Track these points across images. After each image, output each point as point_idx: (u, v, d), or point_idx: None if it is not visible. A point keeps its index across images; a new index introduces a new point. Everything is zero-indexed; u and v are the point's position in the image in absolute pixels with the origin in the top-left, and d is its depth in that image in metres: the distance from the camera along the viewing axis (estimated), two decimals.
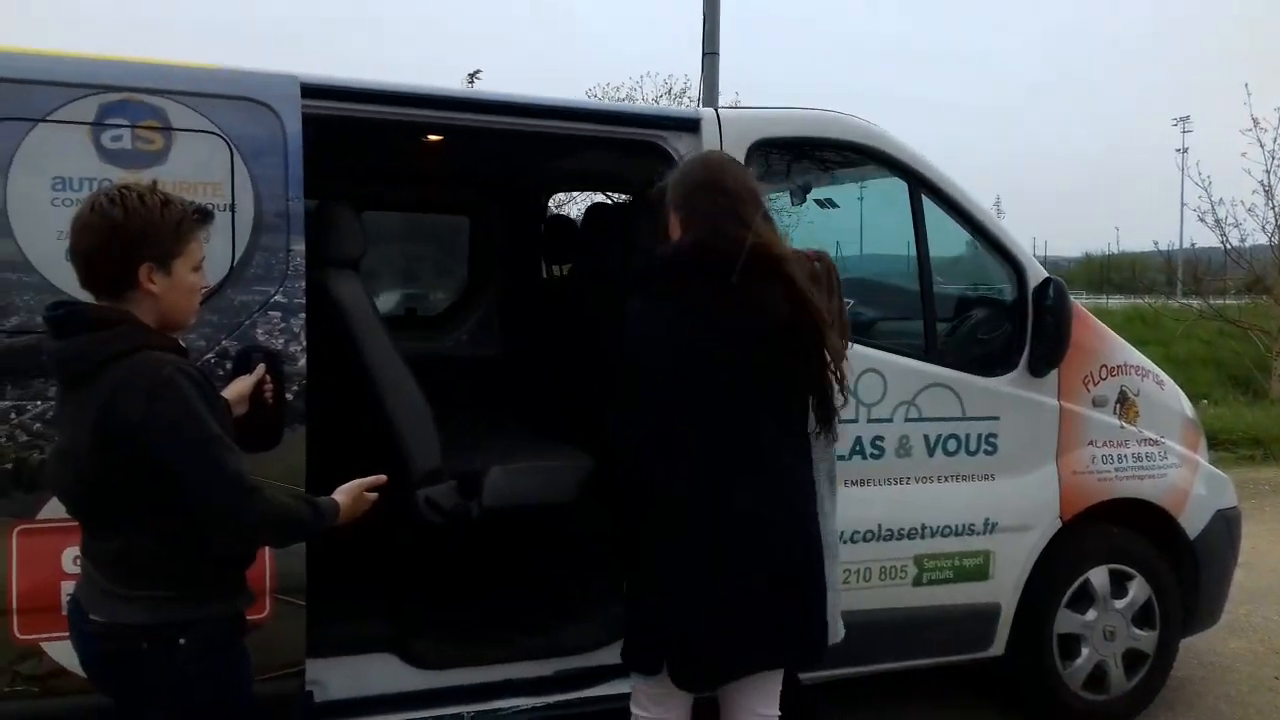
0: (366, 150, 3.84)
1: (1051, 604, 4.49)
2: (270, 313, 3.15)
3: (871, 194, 4.89)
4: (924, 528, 3.55)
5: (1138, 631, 4.56)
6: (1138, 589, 4.55)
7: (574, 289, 3.87)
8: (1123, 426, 4.61)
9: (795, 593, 2.65)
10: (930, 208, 4.20)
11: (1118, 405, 4.67)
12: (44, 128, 3.01)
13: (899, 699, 4.84)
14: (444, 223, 3.22)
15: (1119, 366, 4.67)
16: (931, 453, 3.87)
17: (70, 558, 2.89)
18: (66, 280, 2.60)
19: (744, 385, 2.68)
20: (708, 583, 2.66)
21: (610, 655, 3.39)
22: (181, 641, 2.27)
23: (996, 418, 4.24)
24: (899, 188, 4.17)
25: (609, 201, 5.23)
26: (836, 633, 2.88)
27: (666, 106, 3.60)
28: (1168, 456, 4.79)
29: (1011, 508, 4.26)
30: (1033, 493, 4.36)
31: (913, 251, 4.45)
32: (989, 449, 4.29)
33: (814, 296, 2.77)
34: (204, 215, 2.45)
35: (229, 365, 2.91)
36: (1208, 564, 4.88)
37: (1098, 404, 4.52)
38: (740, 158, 3.69)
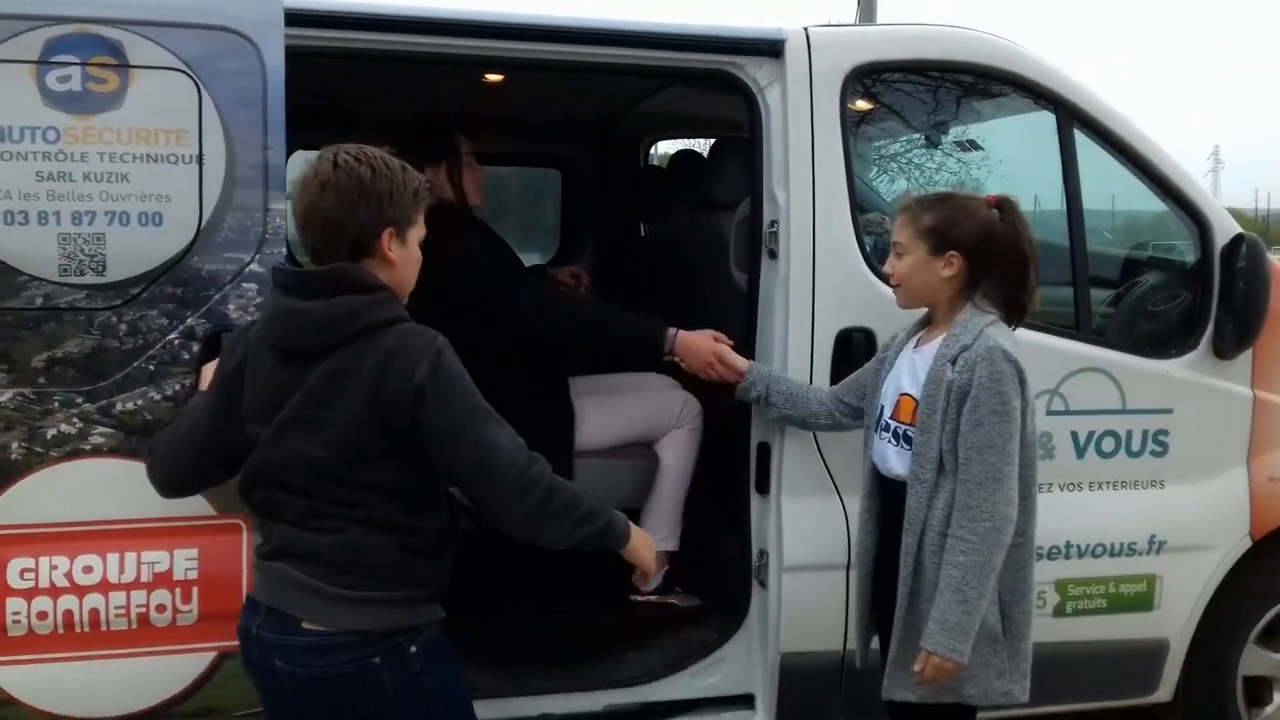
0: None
1: (1236, 640, 3.76)
2: (244, 284, 2.76)
3: (1015, 131, 4.01)
4: (1068, 546, 3.06)
5: None
6: None
7: (658, 248, 3.64)
8: None
9: None
10: (1087, 147, 3.45)
11: None
12: None
13: None
14: (534, 178, 3.17)
15: None
16: (1081, 454, 3.27)
17: (17, 571, 2.73)
18: (5, 246, 2.64)
19: None
20: None
21: (670, 689, 3.16)
22: (413, 650, 2.12)
23: (1169, 410, 3.53)
24: (1046, 122, 3.45)
25: (692, 149, 4.67)
26: None
27: (742, 25, 3.18)
28: None
29: (1186, 523, 3.59)
30: (1215, 504, 3.65)
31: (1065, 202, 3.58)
32: (1158, 449, 3.55)
33: None
34: (427, 186, 2.19)
35: (195, 348, 2.59)
36: None
37: None
38: (835, 88, 3.23)
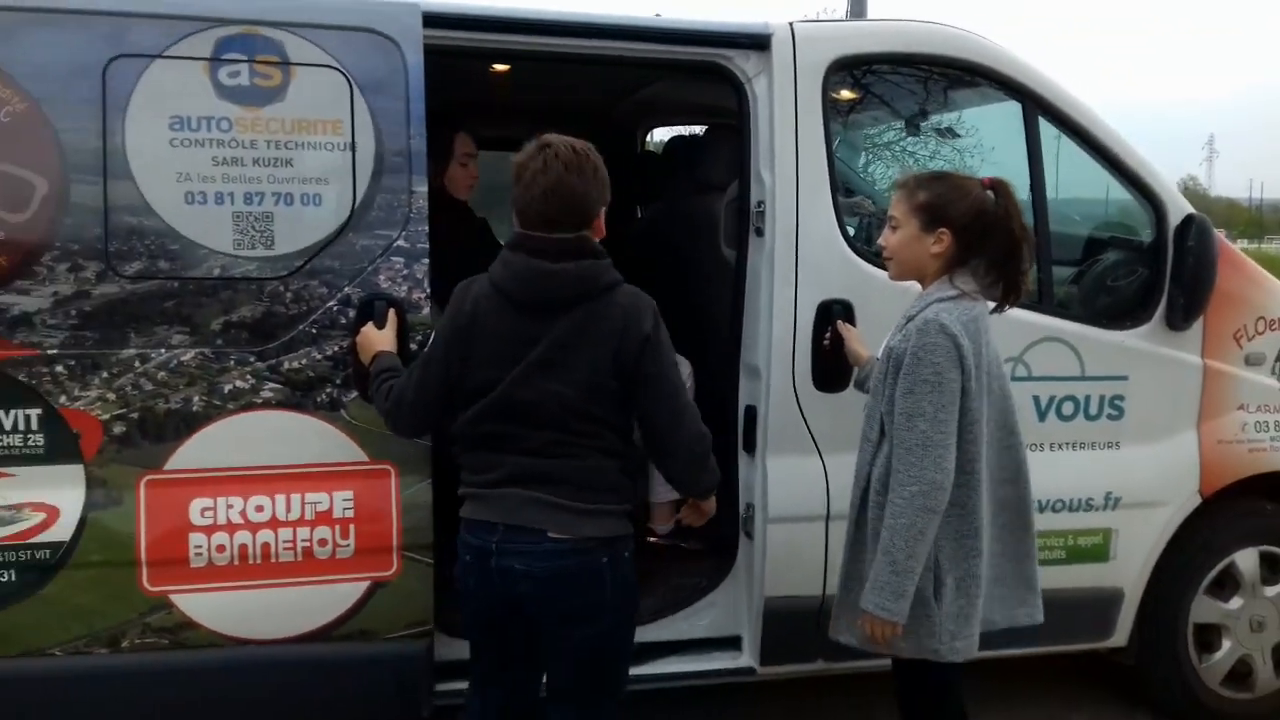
0: (465, 84, 3.56)
1: (1187, 590, 3.90)
2: (393, 258, 3.04)
3: (985, 120, 4.14)
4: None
5: None
6: None
7: (653, 228, 3.88)
8: None
9: None
10: (1053, 135, 3.71)
11: (1277, 364, 3.95)
12: (160, 64, 2.97)
13: (1009, 688, 4.28)
14: None
15: None
16: (1042, 417, 3.43)
17: (198, 510, 2.96)
18: (187, 224, 2.90)
19: None
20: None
21: (665, 630, 3.27)
22: (626, 555, 2.53)
23: (1124, 377, 3.68)
24: (1013, 111, 3.62)
25: (686, 135, 4.81)
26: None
27: (731, 20, 3.41)
28: None
29: (1139, 481, 3.74)
30: (1166, 464, 3.80)
31: (1057, 188, 3.90)
32: (1114, 413, 3.71)
33: None
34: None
35: (351, 314, 2.86)
36: None
37: (1252, 362, 3.85)
38: (818, 78, 3.36)
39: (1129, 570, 3.77)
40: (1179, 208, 3.63)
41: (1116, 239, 3.91)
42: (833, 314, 3.33)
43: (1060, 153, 3.05)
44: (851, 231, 3.23)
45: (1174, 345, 3.75)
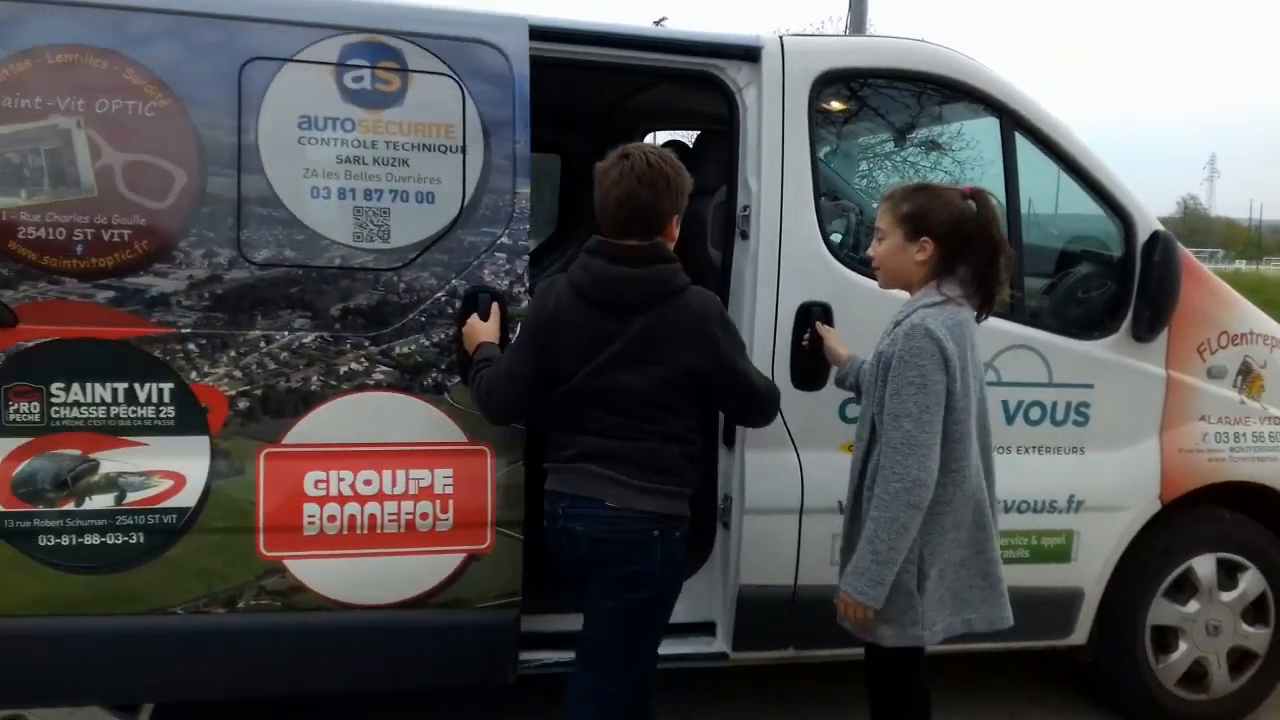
0: None
1: (1146, 592, 3.87)
2: (497, 254, 3.08)
3: (967, 134, 4.18)
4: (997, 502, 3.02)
5: (1247, 628, 3.96)
6: (1250, 582, 3.92)
7: None
8: (1243, 401, 3.92)
9: None
10: (1030, 151, 3.58)
11: (1239, 378, 3.93)
12: (291, 67, 3.00)
13: (972, 683, 4.25)
14: (535, 163, 3.52)
15: (1243, 335, 3.92)
16: (1010, 420, 3.47)
17: (312, 481, 3.03)
18: (313, 215, 2.99)
19: None
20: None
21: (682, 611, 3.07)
22: (678, 534, 2.71)
23: (1090, 385, 3.67)
24: (991, 126, 3.58)
25: (679, 140, 4.94)
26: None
27: (725, 33, 3.57)
28: None
29: (1102, 485, 3.72)
30: (1128, 470, 3.77)
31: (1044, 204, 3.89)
32: (1079, 419, 3.68)
33: None
34: (692, 182, 2.79)
35: (456, 305, 2.97)
36: None
37: (1214, 375, 3.86)
38: (804, 90, 3.37)
39: (1090, 571, 3.74)
40: (1147, 224, 3.66)
41: (1088, 252, 3.93)
42: (812, 315, 3.34)
43: (1037, 167, 3.60)
44: (837, 238, 3.76)
45: (1139, 356, 3.70)
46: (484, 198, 3.00)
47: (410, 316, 3.05)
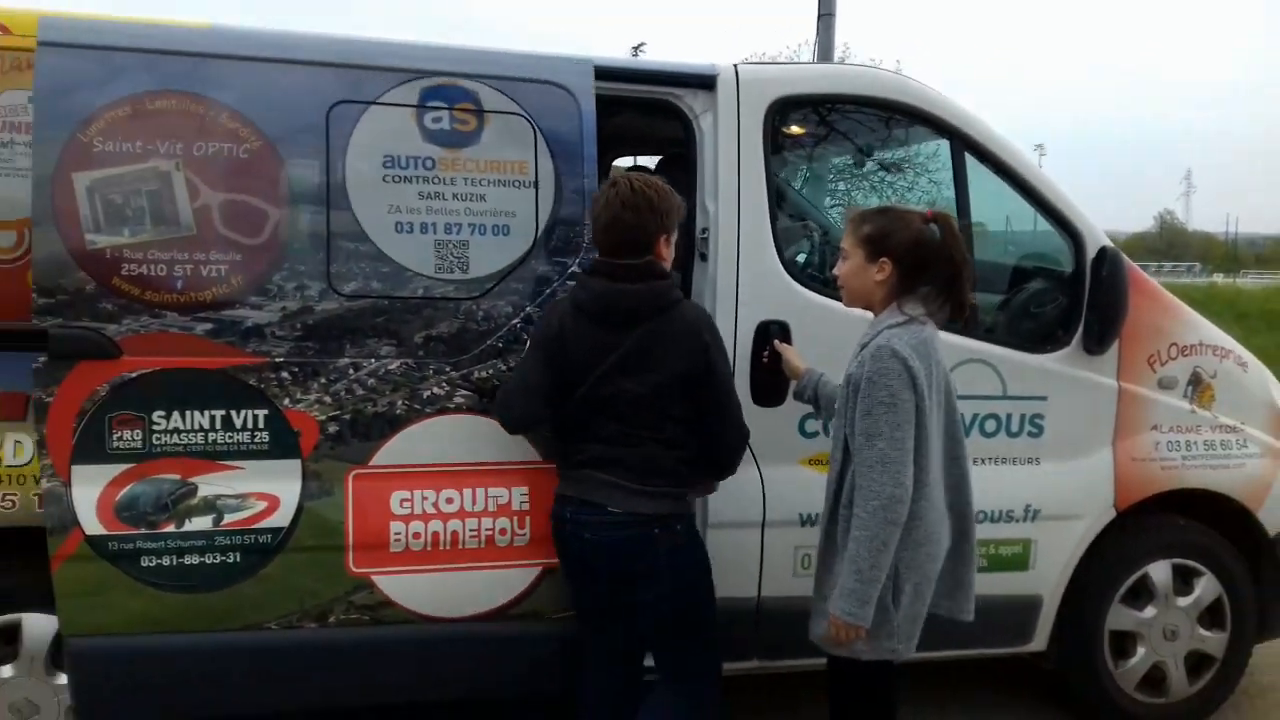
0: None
1: (1103, 598, 3.89)
2: (569, 283, 3.16)
3: (919, 157, 4.22)
4: None
5: (1204, 632, 4.08)
6: (1206, 587, 4.04)
7: None
8: (1194, 411, 3.97)
9: None
10: (981, 172, 3.54)
11: (1189, 388, 3.91)
12: (375, 110, 3.11)
13: (943, 693, 4.20)
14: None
15: (1193, 345, 3.96)
16: (967, 432, 3.31)
17: (397, 501, 3.11)
18: (396, 249, 3.07)
19: None
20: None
21: None
22: (679, 528, 2.85)
23: (1043, 397, 3.69)
24: (942, 149, 3.59)
25: (640, 165, 4.87)
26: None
27: (681, 61, 3.63)
28: (1248, 445, 4.07)
29: (1057, 495, 3.78)
30: (1083, 479, 3.81)
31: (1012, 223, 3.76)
32: (1034, 431, 3.71)
33: None
34: (684, 205, 2.93)
35: (531, 329, 3.14)
36: None
37: (1165, 385, 3.90)
38: (759, 117, 3.36)
39: (1048, 579, 3.76)
40: (1095, 240, 3.69)
41: (1040, 269, 3.94)
42: (771, 333, 3.36)
43: (988, 188, 3.61)
44: (801, 257, 3.82)
45: (1091, 368, 3.71)
46: (555, 229, 3.24)
47: (488, 343, 3.33)
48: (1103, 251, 3.59)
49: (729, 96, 3.39)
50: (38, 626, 3.21)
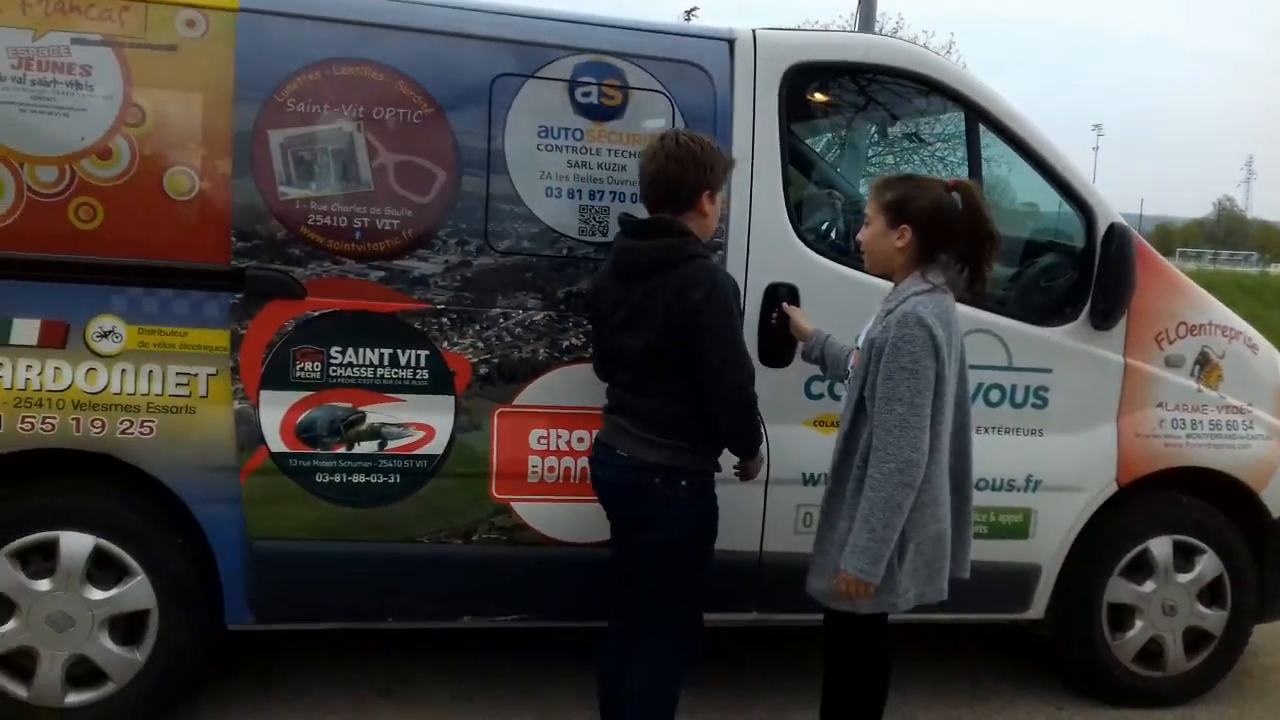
0: None
1: (1103, 571, 3.70)
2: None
3: (936, 128, 4.24)
4: None
5: (1204, 610, 3.92)
6: (1207, 564, 3.88)
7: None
8: (1200, 390, 3.75)
9: None
10: (995, 144, 3.33)
11: (1196, 367, 3.60)
12: (533, 83, 3.12)
13: (940, 655, 4.07)
14: None
15: (1201, 325, 3.75)
16: (971, 402, 3.07)
17: (535, 437, 3.23)
18: (546, 212, 3.09)
19: None
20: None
21: None
22: (683, 483, 2.75)
23: (1049, 370, 3.48)
24: (957, 119, 3.39)
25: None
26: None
27: (699, 25, 3.68)
28: (1254, 427, 3.84)
29: (1059, 467, 3.62)
30: (1085, 453, 3.62)
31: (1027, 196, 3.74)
32: (1038, 403, 3.48)
33: None
34: (733, 162, 2.94)
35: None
36: None
37: (1172, 364, 3.65)
38: (775, 82, 3.19)
39: (1047, 548, 3.58)
40: (1106, 216, 3.50)
41: (1053, 243, 3.76)
42: (779, 295, 3.27)
43: (1001, 159, 3.58)
44: (814, 222, 3.52)
45: (1097, 344, 3.51)
46: None
47: None
48: (1112, 228, 3.64)
49: (747, 58, 3.43)
50: (74, 543, 3.24)
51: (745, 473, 2.88)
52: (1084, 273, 3.32)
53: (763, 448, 2.80)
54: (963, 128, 3.13)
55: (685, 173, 2.54)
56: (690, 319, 2.48)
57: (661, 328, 2.52)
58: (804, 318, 3.06)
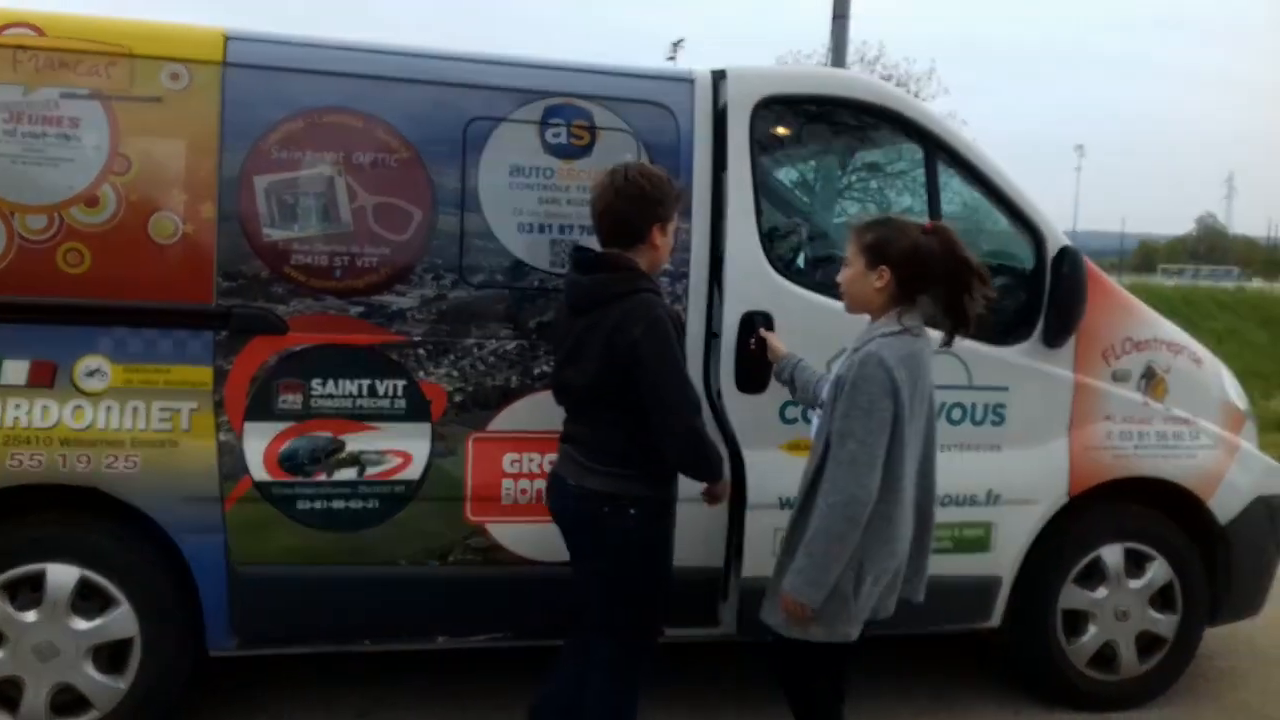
0: None
1: (1056, 579, 3.85)
2: (661, 279, 3.21)
3: (892, 157, 4.22)
4: None
5: (1155, 614, 4.09)
6: (1157, 571, 4.07)
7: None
8: (1147, 403, 3.93)
9: None
10: (954, 176, 3.60)
11: (1143, 381, 3.77)
12: (505, 125, 3.28)
13: (902, 665, 4.14)
14: None
15: (1146, 341, 3.96)
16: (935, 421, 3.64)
17: (509, 461, 3.37)
18: (518, 247, 3.25)
19: None
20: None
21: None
22: (632, 511, 2.81)
23: (1005, 388, 3.67)
24: (915, 151, 3.53)
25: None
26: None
27: (661, 67, 3.80)
28: (1200, 437, 4.02)
29: (1016, 480, 3.78)
30: (1039, 466, 3.78)
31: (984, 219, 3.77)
32: (996, 420, 3.66)
33: None
34: (682, 193, 3.11)
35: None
36: (1242, 551, 3.94)
37: (1119, 379, 3.84)
38: (745, 115, 3.39)
39: (1006, 560, 3.74)
40: (1056, 239, 3.76)
41: (1005, 265, 3.88)
42: (755, 323, 3.39)
43: (956, 186, 3.77)
44: (788, 251, 3.60)
45: (1049, 361, 3.72)
46: None
47: None
48: (1063, 250, 3.84)
49: (706, 97, 3.60)
50: (60, 575, 3.37)
51: (710, 497, 2.87)
52: (1033, 293, 3.41)
53: (726, 470, 2.82)
54: (920, 156, 3.23)
55: (634, 208, 2.60)
56: (629, 353, 2.55)
57: (602, 361, 2.59)
58: (778, 341, 3.11)
